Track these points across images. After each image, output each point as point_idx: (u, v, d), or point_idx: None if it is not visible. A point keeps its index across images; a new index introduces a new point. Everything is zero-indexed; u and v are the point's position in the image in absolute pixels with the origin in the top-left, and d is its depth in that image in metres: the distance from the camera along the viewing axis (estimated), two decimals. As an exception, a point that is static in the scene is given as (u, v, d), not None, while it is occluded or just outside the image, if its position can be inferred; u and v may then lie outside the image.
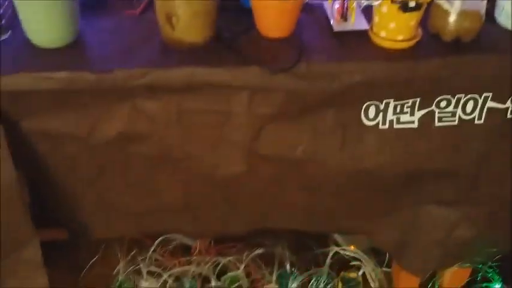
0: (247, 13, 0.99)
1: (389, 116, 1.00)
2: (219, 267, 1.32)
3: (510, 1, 0.97)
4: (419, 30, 0.96)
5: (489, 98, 0.98)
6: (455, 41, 0.94)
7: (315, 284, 1.32)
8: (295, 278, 1.28)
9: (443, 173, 1.06)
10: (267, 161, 1.05)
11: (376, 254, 1.32)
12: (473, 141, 1.03)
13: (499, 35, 0.98)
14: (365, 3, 0.97)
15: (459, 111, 1.00)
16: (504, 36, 0.98)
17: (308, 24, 1.01)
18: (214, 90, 0.95)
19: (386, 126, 1.01)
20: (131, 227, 1.25)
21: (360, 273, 1.34)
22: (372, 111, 0.99)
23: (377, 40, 0.96)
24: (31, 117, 0.98)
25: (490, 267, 1.28)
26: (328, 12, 1.03)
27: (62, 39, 0.96)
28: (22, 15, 0.94)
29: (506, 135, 1.03)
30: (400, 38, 0.94)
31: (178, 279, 1.30)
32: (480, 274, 1.28)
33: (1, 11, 1.01)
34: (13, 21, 0.99)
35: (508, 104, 0.99)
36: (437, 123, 1.01)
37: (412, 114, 1.00)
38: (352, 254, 1.32)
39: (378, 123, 1.00)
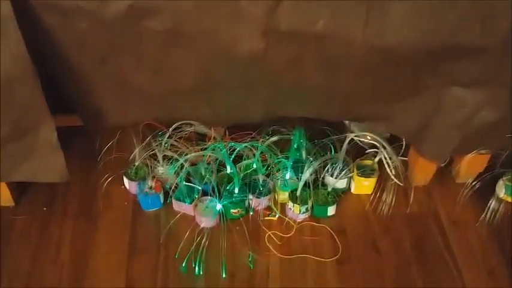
0: None
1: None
2: (234, 154, 1.32)
3: None
4: None
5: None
6: None
7: (330, 170, 1.32)
8: (311, 164, 1.27)
9: (470, 49, 1.01)
10: (286, 37, 1.00)
11: (392, 144, 1.31)
12: (503, 17, 0.97)
13: None
14: None
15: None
16: None
17: None
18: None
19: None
20: (145, 113, 1.24)
21: (376, 160, 1.33)
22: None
23: None
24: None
25: (509, 155, 1.26)
26: None
27: None
28: None
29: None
30: None
31: (193, 164, 1.30)
32: (499, 162, 1.27)
33: None
34: None
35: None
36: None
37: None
38: (368, 141, 1.30)
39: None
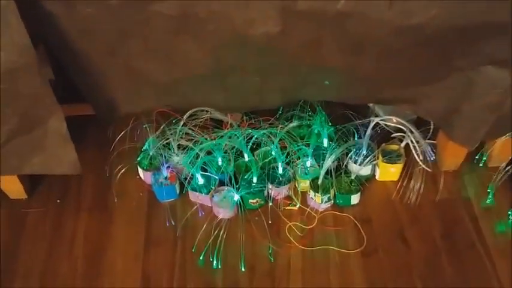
0: None
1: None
2: (251, 141, 1.26)
3: None
4: None
5: None
6: None
7: (353, 156, 1.26)
8: (333, 150, 1.21)
9: (502, 27, 0.93)
10: (304, 18, 0.93)
11: (419, 128, 1.23)
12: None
13: None
14: None
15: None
16: None
17: None
18: None
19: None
20: (157, 100, 1.19)
21: (403, 144, 1.26)
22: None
23: None
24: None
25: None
26: None
27: None
28: None
29: None
30: None
31: (209, 153, 1.25)
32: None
33: None
34: None
35: None
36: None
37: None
38: (394, 125, 1.23)
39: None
